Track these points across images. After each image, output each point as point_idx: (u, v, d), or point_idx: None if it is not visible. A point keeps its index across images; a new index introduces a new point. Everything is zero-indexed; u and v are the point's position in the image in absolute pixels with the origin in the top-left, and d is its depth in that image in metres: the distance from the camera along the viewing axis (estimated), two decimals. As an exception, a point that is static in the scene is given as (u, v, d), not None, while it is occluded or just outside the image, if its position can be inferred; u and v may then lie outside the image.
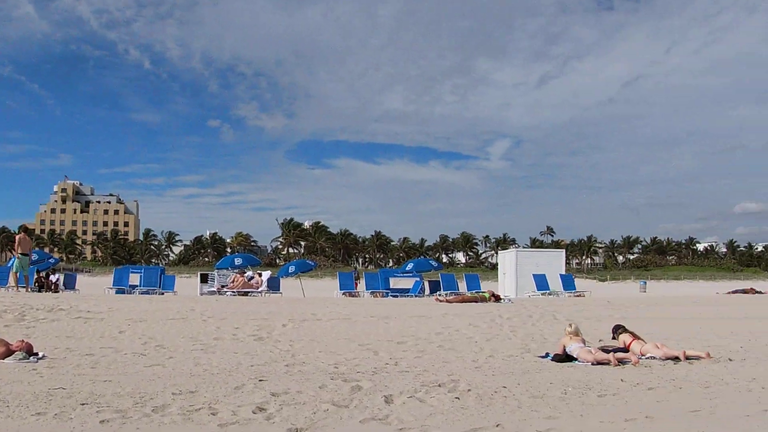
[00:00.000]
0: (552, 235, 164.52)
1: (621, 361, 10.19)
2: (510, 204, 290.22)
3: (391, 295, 26.04)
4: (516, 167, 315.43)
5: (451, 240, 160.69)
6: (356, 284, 29.42)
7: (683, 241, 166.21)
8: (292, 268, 30.43)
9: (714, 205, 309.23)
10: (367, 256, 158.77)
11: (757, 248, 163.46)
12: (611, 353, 10.41)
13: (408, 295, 26.19)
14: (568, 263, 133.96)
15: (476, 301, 20.58)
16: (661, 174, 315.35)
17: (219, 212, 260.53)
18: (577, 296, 28.45)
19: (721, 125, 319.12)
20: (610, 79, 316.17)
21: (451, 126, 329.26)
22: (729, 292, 29.15)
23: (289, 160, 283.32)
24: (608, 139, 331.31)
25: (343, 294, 26.77)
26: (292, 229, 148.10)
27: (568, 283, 30.27)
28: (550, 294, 28.69)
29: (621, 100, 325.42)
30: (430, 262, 36.27)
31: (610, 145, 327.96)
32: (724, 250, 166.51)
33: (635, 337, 11.70)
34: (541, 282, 29.52)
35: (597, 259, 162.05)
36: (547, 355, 11.18)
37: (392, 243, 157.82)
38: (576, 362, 10.40)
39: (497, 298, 21.47)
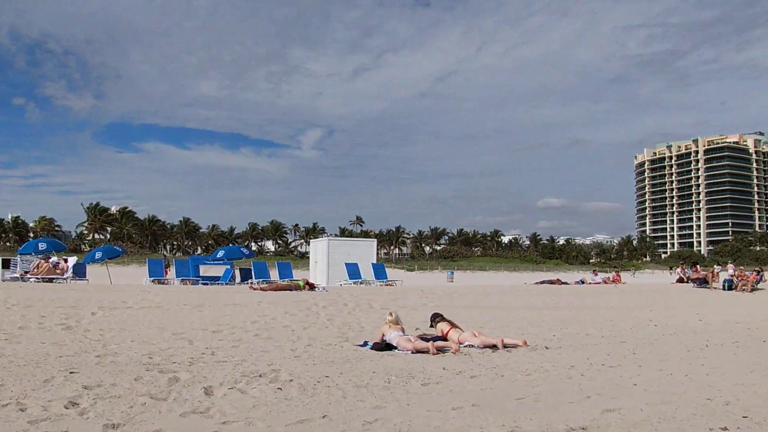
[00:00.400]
0: (361, 225, 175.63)
1: (440, 350, 11.17)
2: (320, 193, 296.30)
3: (202, 283, 27.92)
4: (327, 157, 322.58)
5: (260, 228, 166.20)
6: (166, 271, 31.08)
7: (488, 234, 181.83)
8: (98, 254, 31.54)
9: (518, 200, 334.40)
10: (175, 243, 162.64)
11: (559, 241, 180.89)
12: (430, 342, 11.38)
13: (219, 283, 27.91)
14: (377, 253, 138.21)
15: (290, 290, 21.71)
16: (468, 168, 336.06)
17: (22, 195, 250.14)
18: (389, 285, 30.41)
19: (527, 123, 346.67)
20: (423, 74, 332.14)
21: (264, 114, 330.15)
22: (537, 283, 31.96)
23: (97, 142, 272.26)
24: (419, 132, 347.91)
25: (153, 281, 28.03)
26: (98, 214, 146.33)
27: (379, 272, 32.30)
28: (362, 283, 30.49)
29: (433, 94, 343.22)
30: (241, 249, 36.65)
31: (421, 138, 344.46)
32: (528, 242, 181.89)
33: (453, 325, 12.80)
34: (353, 271, 31.41)
35: (405, 250, 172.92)
36: (365, 343, 11.98)
37: (201, 230, 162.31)
38: (396, 351, 11.24)
39: (311, 287, 22.69)
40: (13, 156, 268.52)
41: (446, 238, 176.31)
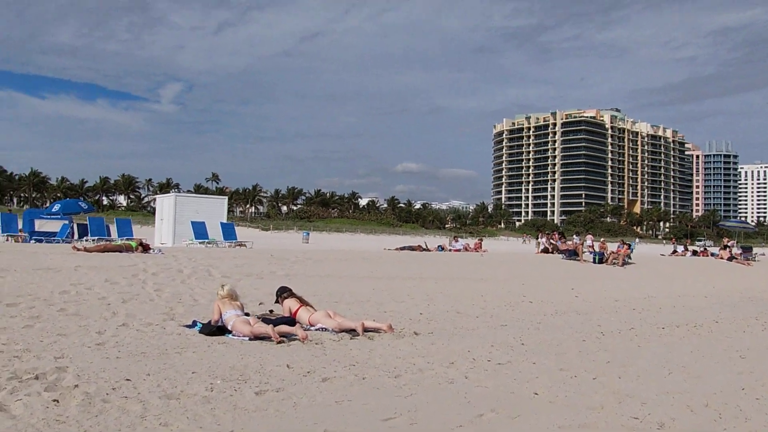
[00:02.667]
0: (217, 182, 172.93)
1: (285, 336, 8.92)
2: (178, 148, 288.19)
3: (35, 239, 26.11)
4: (186, 112, 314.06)
5: (112, 182, 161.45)
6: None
7: (346, 195, 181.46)
8: None
9: (377, 163, 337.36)
10: (22, 195, 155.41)
11: (416, 205, 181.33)
12: (271, 325, 9.09)
13: (54, 240, 26.23)
14: (231, 211, 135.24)
15: (121, 251, 19.03)
16: (329, 129, 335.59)
17: None
18: (239, 246, 28.61)
19: (390, 88, 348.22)
20: (289, 32, 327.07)
21: (123, 65, 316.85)
22: (398, 248, 30.10)
23: None
24: (281, 90, 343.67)
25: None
26: None
27: (228, 232, 30.17)
28: (209, 243, 28.27)
29: (297, 53, 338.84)
30: (79, 203, 33.68)
31: (282, 97, 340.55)
32: (386, 205, 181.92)
33: (303, 302, 10.60)
34: (199, 230, 29.05)
35: (261, 209, 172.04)
36: (194, 323, 9.67)
37: (50, 182, 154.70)
38: (230, 335, 8.98)
39: (146, 248, 19.96)
40: None
41: (303, 198, 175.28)
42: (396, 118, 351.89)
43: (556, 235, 34.85)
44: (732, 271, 29.83)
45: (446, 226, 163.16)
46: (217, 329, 9.24)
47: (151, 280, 14.05)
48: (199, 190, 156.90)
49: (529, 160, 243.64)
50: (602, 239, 36.51)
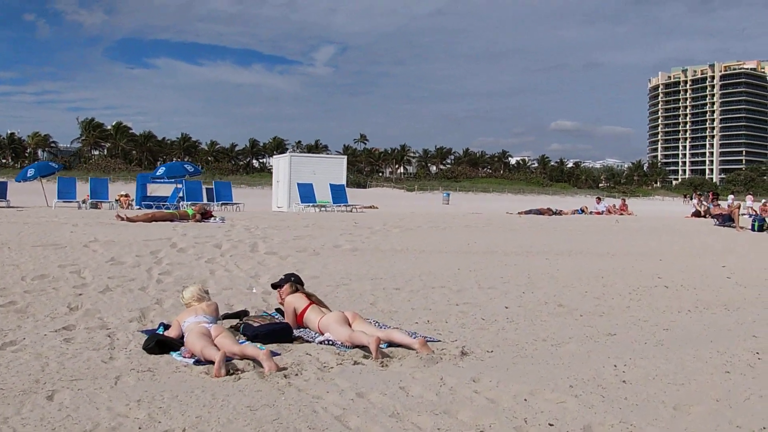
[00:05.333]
0: (365, 143, 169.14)
1: (249, 359, 5.66)
2: (331, 111, 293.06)
3: (144, 204, 25.47)
4: (340, 74, 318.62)
5: (262, 144, 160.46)
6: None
7: (496, 155, 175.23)
8: (31, 171, 28.23)
9: (531, 121, 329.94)
10: (174, 159, 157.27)
11: (568, 164, 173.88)
12: (226, 347, 5.84)
13: (165, 206, 24.55)
14: (380, 172, 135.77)
15: (172, 220, 16.69)
16: (483, 88, 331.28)
17: (33, 111, 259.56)
18: (360, 210, 27.20)
19: (546, 44, 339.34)
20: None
21: (277, 29, 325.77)
22: (522, 213, 26.36)
23: (108, 58, 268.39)
24: (435, 50, 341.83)
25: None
26: (92, 130, 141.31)
27: (339, 194, 27.91)
28: (319, 207, 26.55)
29: (450, 12, 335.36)
30: (185, 165, 32.58)
31: (437, 57, 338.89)
32: (536, 165, 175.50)
33: (312, 300, 7.41)
34: (306, 192, 27.15)
35: (410, 169, 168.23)
36: (160, 327, 6.75)
37: (200, 146, 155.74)
38: (176, 355, 5.95)
39: (206, 216, 17.47)
40: (23, 72, 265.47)
41: (452, 158, 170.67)
42: (551, 74, 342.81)
43: (711, 196, 30.11)
44: None
45: (600, 185, 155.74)
46: (156, 345, 6.10)
47: (168, 259, 11.16)
48: (347, 151, 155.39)
49: (686, 115, 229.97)
50: (764, 200, 31.39)
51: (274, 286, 7.88)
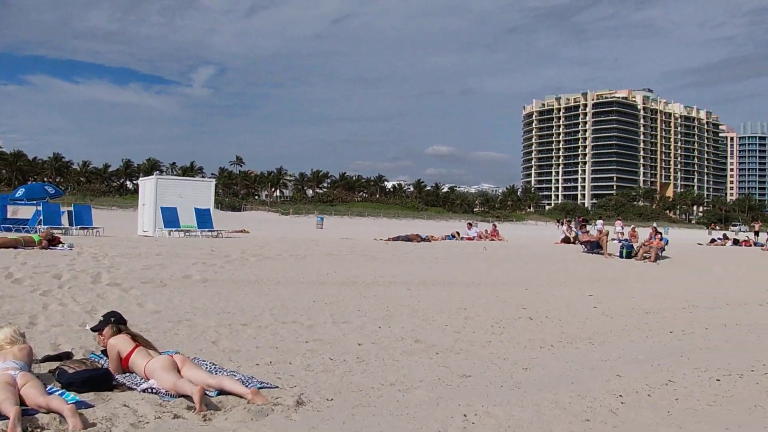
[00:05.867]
0: (241, 165, 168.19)
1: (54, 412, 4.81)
2: (209, 132, 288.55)
3: (3, 228, 23.73)
4: (218, 95, 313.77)
5: (136, 165, 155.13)
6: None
7: (372, 179, 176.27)
8: None
9: (408, 146, 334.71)
10: (46, 179, 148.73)
11: (443, 189, 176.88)
12: (50, 395, 4.99)
13: (24, 229, 22.96)
14: (256, 195, 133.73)
15: (15, 246, 15.40)
16: (361, 112, 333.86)
17: None
18: (228, 235, 26.89)
19: (423, 70, 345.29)
20: (321, 14, 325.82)
21: (156, 48, 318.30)
22: (391, 239, 25.91)
23: None
24: (313, 73, 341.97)
25: None
26: None
27: (203, 219, 26.90)
28: (186, 232, 25.84)
29: (329, 36, 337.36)
30: (45, 187, 30.61)
31: (315, 80, 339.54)
32: (412, 189, 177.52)
33: (139, 341, 6.60)
34: (170, 216, 26.17)
35: (287, 192, 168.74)
36: None
37: (72, 166, 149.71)
38: None
39: (53, 242, 16.36)
40: None
41: (328, 181, 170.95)
42: (428, 100, 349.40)
43: (581, 222, 30.54)
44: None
45: (474, 210, 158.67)
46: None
47: (-6, 292, 10.06)
48: (223, 173, 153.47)
49: (559, 142, 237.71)
50: (632, 226, 32.12)
51: (94, 329, 7.02)
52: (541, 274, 17.69)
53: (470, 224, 35.74)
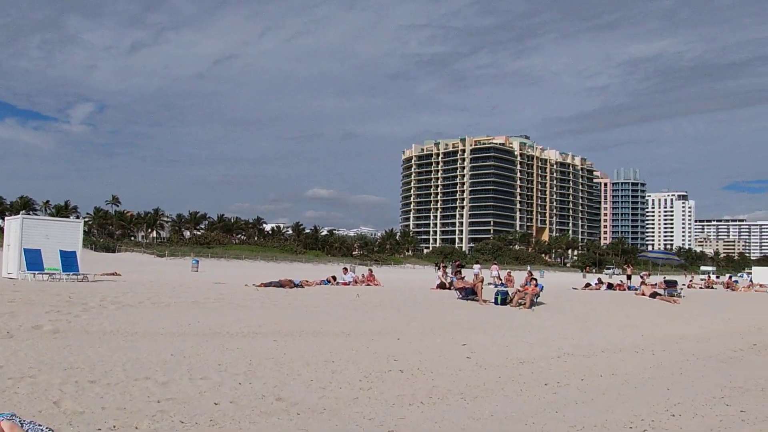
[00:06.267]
0: (117, 205, 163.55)
1: None
2: (85, 170, 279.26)
3: None
4: (96, 133, 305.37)
5: (9, 203, 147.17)
6: None
7: (251, 221, 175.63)
8: None
9: (288, 188, 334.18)
10: None
11: (322, 232, 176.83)
12: None
13: None
14: (132, 236, 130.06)
15: None
16: (241, 154, 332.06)
17: None
18: (97, 278, 25.59)
19: (303, 113, 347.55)
20: (203, 54, 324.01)
21: (34, 83, 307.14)
22: (262, 284, 25.05)
23: None
24: (194, 113, 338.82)
25: None
26: None
27: (69, 262, 25.61)
28: (51, 275, 24.71)
29: (211, 76, 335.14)
30: None
31: (195, 120, 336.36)
32: (291, 232, 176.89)
33: None
34: (34, 259, 24.94)
35: (164, 233, 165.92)
36: None
37: None
38: None
39: None
40: None
41: (206, 223, 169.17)
42: (308, 143, 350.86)
43: (457, 267, 30.47)
44: (657, 310, 25.62)
45: (353, 253, 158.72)
46: None
47: None
48: (98, 213, 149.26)
49: (437, 186, 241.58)
50: (508, 271, 32.30)
51: None
52: (414, 322, 17.24)
53: (346, 269, 35.22)
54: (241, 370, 10.05)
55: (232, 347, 11.98)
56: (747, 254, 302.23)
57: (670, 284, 33.03)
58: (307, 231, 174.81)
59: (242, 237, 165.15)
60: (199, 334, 13.23)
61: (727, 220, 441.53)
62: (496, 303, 22.34)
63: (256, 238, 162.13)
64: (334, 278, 31.04)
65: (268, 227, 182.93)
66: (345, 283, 30.46)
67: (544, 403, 9.03)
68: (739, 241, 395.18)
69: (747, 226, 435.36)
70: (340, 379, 9.91)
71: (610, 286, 36.41)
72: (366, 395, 8.97)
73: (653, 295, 29.82)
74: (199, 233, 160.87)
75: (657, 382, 11.07)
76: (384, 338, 14.40)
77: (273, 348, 12.26)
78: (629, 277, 42.33)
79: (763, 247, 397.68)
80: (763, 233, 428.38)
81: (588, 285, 38.10)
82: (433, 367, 11.43)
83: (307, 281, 28.10)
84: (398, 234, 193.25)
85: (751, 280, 59.92)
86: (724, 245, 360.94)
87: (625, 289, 35.28)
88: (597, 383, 10.70)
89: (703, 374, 12.02)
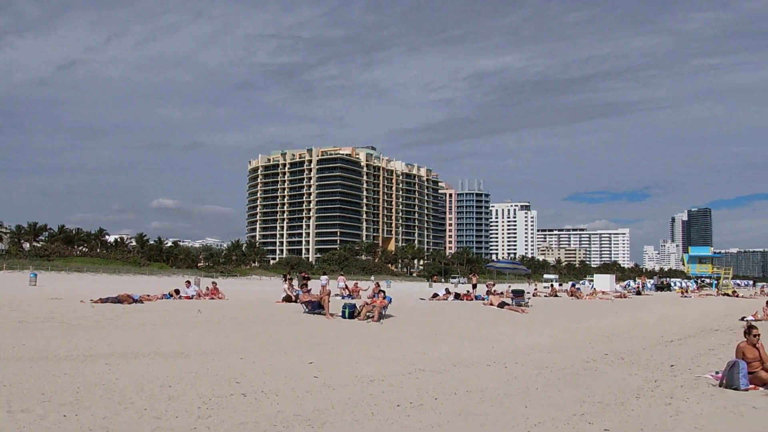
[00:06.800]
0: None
1: None
2: None
3: None
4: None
5: None
6: None
7: (93, 232, 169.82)
8: None
9: (132, 199, 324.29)
10: None
11: (167, 243, 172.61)
12: None
13: None
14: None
15: None
16: (83, 163, 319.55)
17: None
18: None
19: (148, 122, 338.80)
20: (46, 60, 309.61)
21: None
22: (99, 300, 23.48)
23: None
24: (34, 121, 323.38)
25: None
26: None
27: None
28: None
29: (54, 83, 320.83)
30: None
31: (36, 128, 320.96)
32: (135, 243, 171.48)
33: None
34: None
35: (2, 246, 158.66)
36: None
37: None
38: None
39: None
40: None
41: (46, 234, 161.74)
42: (154, 152, 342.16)
43: (304, 278, 29.67)
44: (506, 320, 25.68)
45: (199, 265, 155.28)
46: None
47: None
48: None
49: (284, 197, 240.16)
50: (355, 282, 31.79)
51: None
52: (258, 339, 16.31)
53: (189, 282, 33.85)
54: (68, 400, 8.94)
55: (59, 373, 10.76)
56: (587, 262, 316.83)
57: (518, 294, 33.39)
58: (152, 242, 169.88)
59: (84, 249, 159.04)
60: (24, 358, 11.90)
61: (568, 230, 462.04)
62: (343, 316, 21.70)
63: (98, 250, 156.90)
64: (177, 292, 29.73)
65: (111, 239, 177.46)
66: (188, 297, 29.22)
67: (398, 427, 8.39)
68: (579, 250, 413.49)
69: (587, 235, 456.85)
70: (176, 407, 8.95)
71: (457, 296, 36.52)
72: (204, 425, 8.08)
73: (501, 305, 30.02)
74: (39, 245, 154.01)
75: (514, 399, 10.60)
76: (226, 358, 13.43)
77: (105, 372, 11.11)
78: (475, 287, 42.71)
79: (603, 255, 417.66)
80: (602, 241, 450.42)
81: (436, 295, 38.09)
82: (279, 389, 10.61)
83: (147, 296, 26.69)
84: (244, 245, 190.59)
85: (593, 288, 61.91)
86: (565, 254, 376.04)
87: (472, 299, 35.48)
88: (452, 402, 10.14)
89: (560, 388, 11.65)
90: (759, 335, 12.16)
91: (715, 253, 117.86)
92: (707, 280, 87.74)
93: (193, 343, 15.17)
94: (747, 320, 29.06)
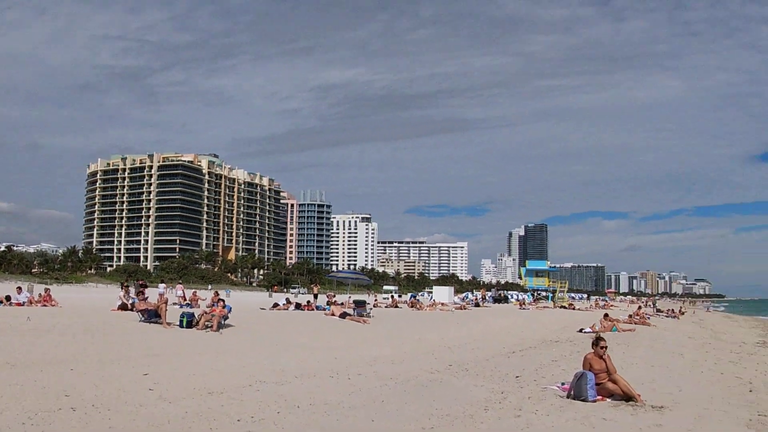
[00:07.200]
0: None
1: None
2: None
3: None
4: None
5: None
6: None
7: None
8: None
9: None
10: None
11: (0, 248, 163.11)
12: None
13: None
14: None
15: None
16: None
17: None
18: None
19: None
20: None
21: None
22: None
23: None
24: None
25: None
26: None
27: None
28: None
29: None
30: None
31: None
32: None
33: None
34: None
35: None
36: None
37: None
38: None
39: None
40: None
41: None
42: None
43: (140, 284, 28.61)
44: (348, 331, 25.54)
45: (33, 270, 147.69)
46: None
47: None
48: None
49: (123, 202, 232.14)
50: (194, 291, 30.92)
51: None
52: (90, 349, 15.41)
53: (20, 288, 32.14)
54: None
55: None
56: (426, 274, 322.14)
57: (360, 304, 33.37)
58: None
59: None
60: None
61: (408, 242, 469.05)
62: (181, 326, 20.90)
63: None
64: (8, 298, 28.13)
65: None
66: (19, 304, 27.76)
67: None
68: (419, 262, 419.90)
69: (426, 248, 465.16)
70: (-5, 425, 8.20)
71: (298, 306, 36.14)
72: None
73: (343, 315, 29.87)
74: None
75: (360, 412, 10.32)
76: (55, 369, 12.55)
77: None
78: (316, 297, 42.51)
79: (441, 267, 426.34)
80: (441, 254, 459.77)
81: (276, 305, 37.56)
82: (111, 402, 9.96)
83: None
84: (81, 251, 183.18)
85: (433, 299, 62.89)
86: (405, 265, 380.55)
87: (313, 309, 35.19)
88: (295, 416, 9.78)
89: (406, 401, 11.45)
90: (606, 347, 12.42)
91: (551, 267, 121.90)
92: (544, 293, 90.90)
93: (21, 353, 14.13)
94: (585, 332, 30.24)
